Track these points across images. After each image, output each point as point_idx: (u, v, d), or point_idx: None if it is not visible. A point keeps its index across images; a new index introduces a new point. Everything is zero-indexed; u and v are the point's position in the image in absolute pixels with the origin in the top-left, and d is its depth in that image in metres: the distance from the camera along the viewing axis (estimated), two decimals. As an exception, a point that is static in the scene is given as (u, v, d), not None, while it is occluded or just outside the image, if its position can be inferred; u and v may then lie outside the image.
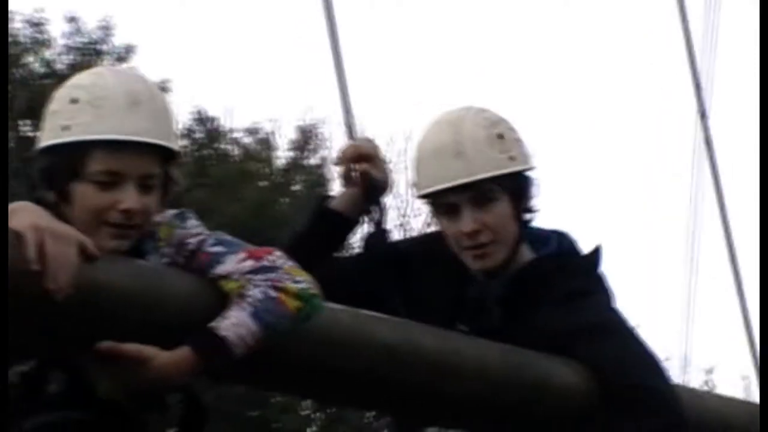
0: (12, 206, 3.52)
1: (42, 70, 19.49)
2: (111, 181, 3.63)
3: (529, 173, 4.44)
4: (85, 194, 3.60)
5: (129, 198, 3.56)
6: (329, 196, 4.76)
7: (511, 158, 4.32)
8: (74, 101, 3.71)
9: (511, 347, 4.29)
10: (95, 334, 3.54)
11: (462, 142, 4.31)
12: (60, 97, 3.78)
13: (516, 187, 4.31)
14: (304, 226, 4.65)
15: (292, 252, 4.09)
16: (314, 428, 21.90)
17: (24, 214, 3.43)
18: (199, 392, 4.07)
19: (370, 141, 4.68)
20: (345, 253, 4.83)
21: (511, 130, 4.44)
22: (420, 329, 4.20)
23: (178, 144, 3.99)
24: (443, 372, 4.18)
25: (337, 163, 4.67)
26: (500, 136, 4.31)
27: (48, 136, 3.68)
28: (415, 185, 4.47)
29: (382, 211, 4.57)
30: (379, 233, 4.57)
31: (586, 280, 4.49)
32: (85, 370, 3.69)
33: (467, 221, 4.22)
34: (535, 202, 4.50)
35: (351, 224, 4.55)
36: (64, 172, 3.63)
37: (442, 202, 4.28)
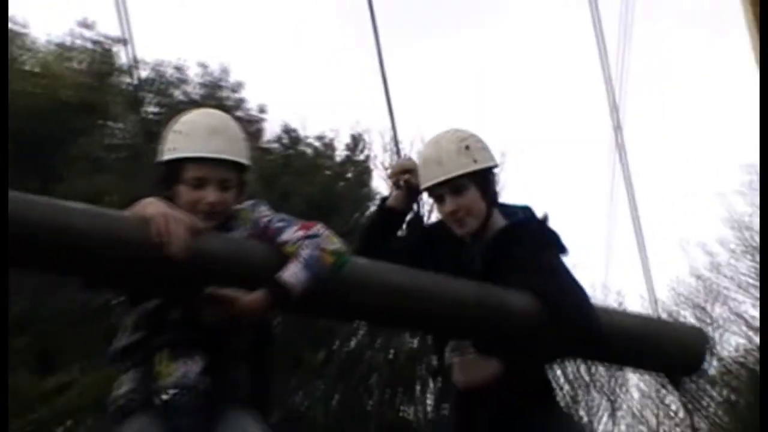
0: (144, 201, 4.59)
1: (183, 98, 24.05)
2: (199, 184, 4.71)
3: (491, 169, 5.61)
4: (183, 192, 4.68)
5: (210, 195, 4.62)
6: (386, 197, 5.90)
7: (475, 161, 5.39)
8: (177, 132, 4.86)
9: (485, 284, 5.34)
10: (201, 282, 4.56)
11: (440, 154, 5.45)
12: (169, 129, 4.91)
13: (480, 179, 5.39)
14: (372, 217, 6.09)
15: (367, 234, 5.80)
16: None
17: (152, 205, 4.49)
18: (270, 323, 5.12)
19: (410, 159, 5.85)
20: (399, 234, 5.89)
21: (478, 141, 5.54)
22: (420, 273, 5.27)
23: (246, 158, 4.95)
24: (438, 301, 5.24)
25: (389, 175, 5.85)
26: (467, 147, 5.45)
27: (161, 155, 4.81)
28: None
29: (418, 205, 5.85)
30: (418, 219, 5.87)
31: (540, 238, 5.57)
32: (194, 305, 4.65)
33: (448, 205, 5.32)
34: (498, 187, 5.77)
35: (401, 215, 5.72)
36: (170, 178, 4.74)
37: (434, 193, 5.42)
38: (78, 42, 23.42)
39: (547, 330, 5.33)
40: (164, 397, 4.77)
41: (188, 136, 4.89)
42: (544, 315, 5.36)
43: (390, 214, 5.76)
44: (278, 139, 25.16)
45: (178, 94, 23.06)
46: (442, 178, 5.38)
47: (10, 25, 21.96)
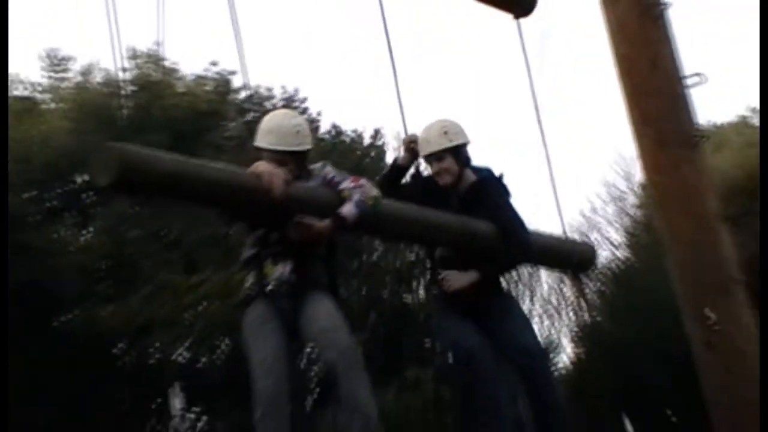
0: (256, 163, 5.22)
1: (270, 107, 23.75)
2: (279, 163, 5.31)
3: (464, 145, 6.09)
4: (268, 160, 5.24)
5: (277, 176, 5.11)
6: (398, 158, 6.24)
7: (450, 140, 5.96)
8: (266, 130, 5.50)
9: (464, 217, 5.88)
10: (291, 214, 5.28)
11: (429, 135, 5.98)
12: (262, 125, 5.62)
13: (454, 151, 5.98)
14: (389, 169, 6.32)
15: (385, 181, 6.16)
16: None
17: (261, 165, 5.18)
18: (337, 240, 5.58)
19: (414, 135, 6.17)
20: (404, 182, 6.23)
21: (455, 126, 6.05)
22: (423, 209, 5.85)
23: (309, 146, 5.48)
24: (434, 226, 5.87)
25: (402, 141, 6.24)
26: (446, 132, 5.98)
27: (260, 142, 5.54)
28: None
29: (418, 164, 6.21)
30: (418, 174, 6.31)
31: (498, 187, 6.16)
32: (286, 229, 5.35)
33: (434, 167, 6.00)
34: (469, 155, 6.19)
35: (406, 170, 6.17)
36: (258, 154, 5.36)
37: (426, 160, 6.08)
38: (209, 74, 25.68)
39: (501, 245, 5.91)
40: (270, 288, 5.44)
41: (273, 134, 5.35)
42: (500, 235, 5.92)
43: (399, 168, 6.12)
44: (328, 132, 25.82)
45: (267, 104, 24.43)
46: (429, 152, 5.94)
47: (168, 63, 25.30)
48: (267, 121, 5.60)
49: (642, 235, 23.56)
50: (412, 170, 6.38)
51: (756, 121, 31.74)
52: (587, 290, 27.81)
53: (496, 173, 6.31)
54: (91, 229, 24.89)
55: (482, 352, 5.76)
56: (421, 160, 6.32)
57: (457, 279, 5.89)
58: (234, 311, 21.65)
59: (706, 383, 5.84)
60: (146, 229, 23.52)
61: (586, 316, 29.05)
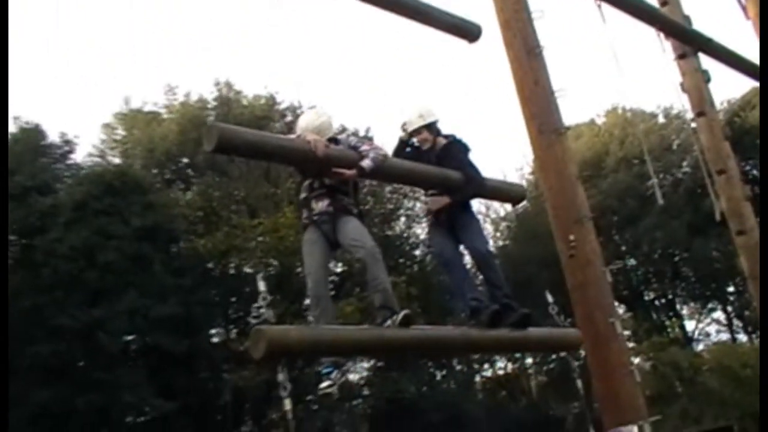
0: (305, 134, 5.05)
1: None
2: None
3: (435, 122, 5.86)
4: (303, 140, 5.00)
5: (320, 142, 4.96)
6: (401, 136, 5.90)
7: (424, 120, 5.79)
8: (303, 128, 5.22)
9: (440, 168, 5.71)
10: (329, 166, 5.13)
11: (411, 117, 5.82)
12: (300, 123, 5.34)
13: (428, 126, 5.81)
14: (397, 144, 5.96)
15: (396, 150, 5.83)
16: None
17: (308, 135, 5.05)
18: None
19: (405, 123, 5.90)
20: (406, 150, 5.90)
21: (427, 109, 5.88)
22: (416, 165, 5.70)
23: (332, 132, 5.33)
24: (423, 174, 5.70)
25: (401, 128, 5.94)
26: (420, 115, 5.81)
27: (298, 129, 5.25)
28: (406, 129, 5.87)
29: (411, 139, 5.94)
30: (410, 144, 5.96)
31: (461, 147, 5.98)
32: (326, 175, 5.23)
33: (416, 138, 5.84)
34: (439, 127, 5.90)
35: (406, 142, 5.89)
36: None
37: (411, 135, 5.84)
38: (262, 93, 26.48)
39: (464, 185, 5.78)
40: (315, 218, 5.22)
41: (307, 130, 5.13)
42: (464, 180, 5.78)
43: (402, 141, 5.91)
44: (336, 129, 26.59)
45: (298, 111, 23.57)
46: (411, 129, 5.80)
47: (236, 87, 25.85)
48: (301, 121, 5.43)
49: (534, 190, 23.85)
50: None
51: (600, 120, 32.62)
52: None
53: (456, 135, 6.17)
54: (190, 192, 25.45)
55: (454, 258, 5.75)
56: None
57: (435, 202, 5.81)
58: (281, 241, 21.43)
59: (569, 278, 5.97)
60: (224, 191, 23.95)
61: (500, 242, 29.52)
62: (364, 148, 5.23)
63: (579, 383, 6.37)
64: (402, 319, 4.95)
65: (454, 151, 5.95)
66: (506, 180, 6.69)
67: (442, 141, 5.93)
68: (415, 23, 6.51)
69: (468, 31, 6.84)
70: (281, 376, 4.33)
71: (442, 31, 6.72)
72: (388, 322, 4.99)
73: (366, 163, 5.11)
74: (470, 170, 5.90)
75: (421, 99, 6.54)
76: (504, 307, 5.59)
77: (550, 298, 6.38)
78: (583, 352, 6.14)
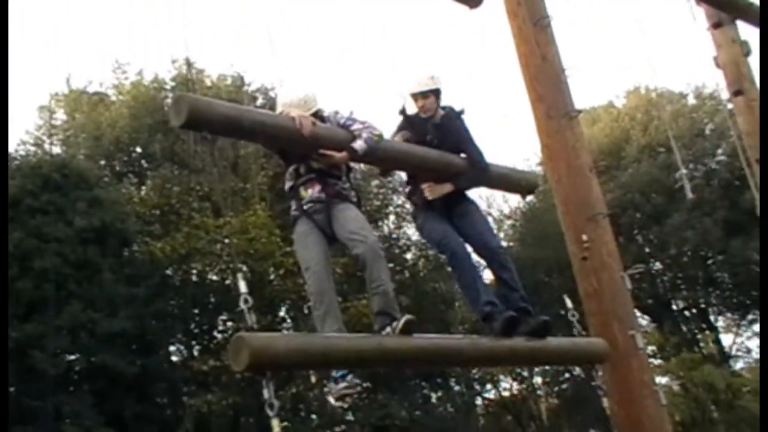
0: (289, 110, 5.13)
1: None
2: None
3: (440, 89, 5.88)
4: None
5: (306, 119, 5.00)
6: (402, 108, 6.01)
7: (435, 84, 5.88)
8: (286, 103, 5.30)
9: (442, 153, 5.70)
10: (317, 147, 5.16)
11: (420, 79, 5.84)
12: (280, 99, 5.45)
13: (435, 92, 5.86)
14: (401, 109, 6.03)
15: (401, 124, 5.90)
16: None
17: (293, 111, 5.12)
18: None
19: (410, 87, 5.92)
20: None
21: (437, 77, 5.94)
22: (414, 147, 5.70)
23: (316, 107, 5.29)
24: (421, 158, 5.73)
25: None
26: (432, 77, 5.89)
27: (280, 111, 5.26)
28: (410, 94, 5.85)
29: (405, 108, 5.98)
30: (404, 111, 5.98)
31: (459, 115, 6.01)
32: (314, 160, 5.27)
33: (419, 102, 5.86)
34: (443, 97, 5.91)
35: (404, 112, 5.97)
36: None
37: (414, 96, 5.87)
38: (228, 72, 26.73)
39: (469, 168, 5.86)
40: (305, 207, 5.31)
41: (289, 106, 5.25)
42: (468, 162, 5.87)
43: (403, 113, 6.00)
44: None
45: (271, 93, 24.94)
46: (418, 90, 5.90)
47: (198, 65, 25.78)
48: (282, 96, 5.50)
49: (542, 183, 23.84)
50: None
51: (619, 103, 32.77)
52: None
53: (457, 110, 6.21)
54: (145, 186, 25.38)
55: (463, 249, 5.69)
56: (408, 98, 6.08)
57: (435, 189, 5.76)
58: (251, 244, 21.27)
59: (581, 284, 6.00)
60: (184, 186, 23.96)
61: (504, 243, 29.67)
62: (356, 126, 5.24)
63: (605, 402, 6.33)
64: (403, 326, 4.95)
65: (455, 125, 5.97)
66: (515, 168, 6.63)
67: (440, 111, 5.95)
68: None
69: None
70: (267, 393, 4.21)
71: None
72: (388, 329, 5.01)
73: (359, 144, 5.12)
74: (474, 149, 5.91)
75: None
76: (520, 311, 5.54)
77: (569, 303, 6.32)
78: (600, 372, 6.11)
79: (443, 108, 6.01)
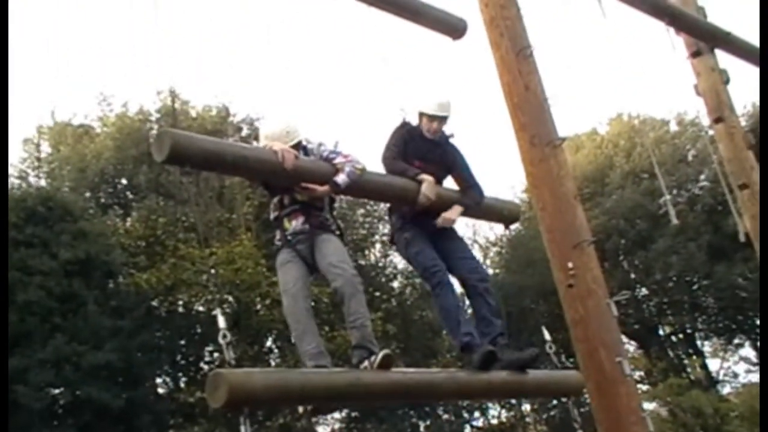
0: (272, 143, 5.13)
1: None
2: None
3: (448, 116, 6.04)
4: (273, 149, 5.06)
5: (289, 153, 5.03)
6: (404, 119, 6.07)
7: (448, 111, 6.00)
8: (268, 136, 5.37)
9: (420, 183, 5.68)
10: (299, 180, 5.20)
11: (446, 105, 5.95)
12: (264, 132, 5.52)
13: (447, 119, 5.99)
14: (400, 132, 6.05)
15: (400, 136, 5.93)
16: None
17: (275, 145, 5.12)
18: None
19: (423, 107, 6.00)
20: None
21: (448, 103, 6.03)
22: (394, 179, 5.71)
23: (298, 139, 5.35)
24: (400, 188, 5.69)
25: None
26: (450, 105, 5.99)
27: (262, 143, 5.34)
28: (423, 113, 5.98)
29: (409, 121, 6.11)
30: (407, 124, 6.06)
31: (447, 138, 6.17)
32: (294, 192, 5.34)
33: (437, 124, 5.97)
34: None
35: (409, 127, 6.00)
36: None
37: (435, 118, 5.97)
38: (213, 103, 26.72)
39: (467, 192, 6.06)
40: (289, 238, 5.39)
41: (270, 139, 5.34)
42: (466, 188, 6.08)
43: (406, 125, 6.05)
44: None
45: (256, 123, 24.95)
46: (443, 114, 6.01)
47: (183, 96, 25.91)
48: (264, 129, 5.58)
49: (528, 211, 23.89)
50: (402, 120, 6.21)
51: (602, 130, 33.00)
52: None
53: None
54: (130, 218, 25.28)
55: (447, 278, 5.73)
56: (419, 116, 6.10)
57: (451, 213, 5.82)
58: (237, 274, 21.26)
59: (567, 312, 5.95)
60: (170, 217, 23.89)
61: (490, 270, 29.63)
62: (339, 160, 5.28)
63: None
64: (381, 361, 4.97)
65: (457, 151, 6.09)
66: (497, 197, 6.70)
67: (441, 134, 6.06)
68: (392, 16, 6.56)
69: (452, 27, 6.99)
70: (243, 429, 4.24)
71: (423, 26, 6.81)
72: (365, 363, 5.03)
73: (341, 178, 5.19)
74: (471, 172, 6.07)
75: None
76: (497, 342, 5.60)
77: (547, 336, 6.39)
78: (588, 398, 6.15)
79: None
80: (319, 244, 5.25)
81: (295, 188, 5.27)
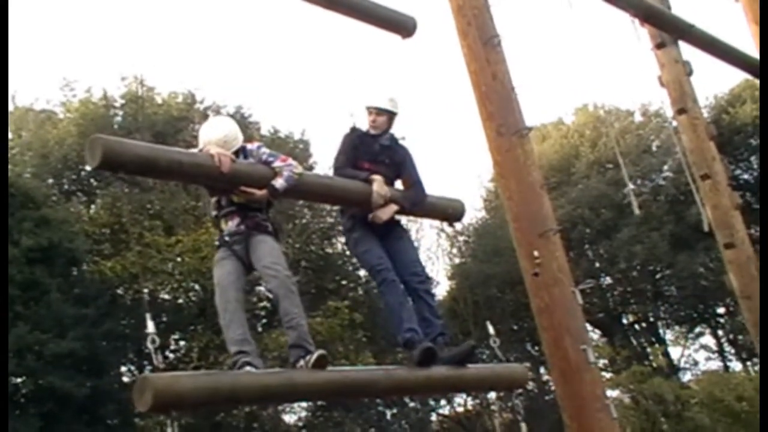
0: (208, 147, 5.13)
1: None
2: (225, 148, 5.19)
3: (396, 114, 6.03)
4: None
5: (225, 157, 5.03)
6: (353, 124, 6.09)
7: (393, 107, 5.99)
8: (204, 140, 5.28)
9: (363, 184, 5.68)
10: (236, 184, 5.23)
11: (384, 97, 5.94)
12: (200, 134, 5.43)
13: (390, 114, 5.99)
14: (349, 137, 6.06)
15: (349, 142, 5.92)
16: None
17: (212, 148, 5.13)
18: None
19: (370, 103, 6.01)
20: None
21: (398, 103, 6.03)
22: (334, 180, 5.80)
23: (237, 146, 5.35)
24: (340, 189, 5.75)
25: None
26: (391, 100, 5.99)
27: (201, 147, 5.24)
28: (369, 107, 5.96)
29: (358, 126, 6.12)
30: (355, 129, 6.07)
31: (397, 140, 6.16)
32: (233, 194, 5.37)
33: (372, 116, 5.95)
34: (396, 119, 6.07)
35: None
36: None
37: (370, 110, 5.96)
38: (179, 90, 26.43)
39: (409, 191, 6.00)
40: (226, 238, 5.45)
41: (210, 144, 5.26)
42: (411, 187, 6.02)
43: (354, 130, 6.07)
44: (268, 131, 26.11)
45: (223, 111, 24.90)
46: (376, 106, 5.99)
47: (149, 82, 25.74)
48: (203, 133, 5.46)
49: (494, 200, 24.05)
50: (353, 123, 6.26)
51: (568, 120, 33.31)
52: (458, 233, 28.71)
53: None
54: (94, 205, 25.12)
55: (392, 275, 5.76)
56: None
57: (386, 211, 5.77)
58: (202, 262, 21.27)
59: (533, 300, 6.08)
60: (135, 204, 23.66)
61: (457, 259, 29.89)
62: (278, 164, 5.33)
63: (523, 427, 6.47)
64: (316, 361, 5.03)
65: (406, 152, 6.07)
66: (443, 196, 6.59)
67: (388, 135, 6.03)
68: (339, 15, 6.55)
69: (402, 25, 6.98)
70: (170, 431, 4.27)
71: (372, 25, 6.82)
72: (301, 363, 5.09)
73: (279, 182, 5.25)
74: (416, 172, 6.04)
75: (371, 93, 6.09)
76: (439, 340, 5.65)
77: (491, 330, 6.42)
78: (553, 386, 6.23)
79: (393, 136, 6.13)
80: (254, 245, 5.31)
81: (233, 191, 5.31)
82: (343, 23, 6.72)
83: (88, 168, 25.27)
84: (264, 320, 23.08)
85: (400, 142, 6.18)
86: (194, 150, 5.25)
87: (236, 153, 5.34)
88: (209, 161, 4.96)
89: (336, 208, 26.15)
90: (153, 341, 4.52)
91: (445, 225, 30.47)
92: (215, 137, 5.31)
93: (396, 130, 6.18)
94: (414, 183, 6.01)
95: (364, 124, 6.05)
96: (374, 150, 5.95)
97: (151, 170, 5.02)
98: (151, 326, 4.56)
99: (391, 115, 6.02)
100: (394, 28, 6.92)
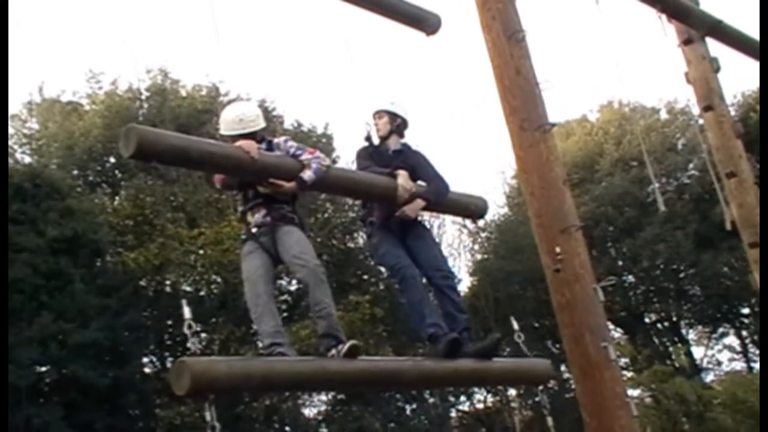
0: (239, 141, 5.18)
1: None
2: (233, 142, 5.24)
3: (397, 115, 6.11)
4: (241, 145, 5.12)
5: (252, 144, 5.11)
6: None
7: (392, 105, 6.09)
8: (221, 120, 5.51)
9: (388, 179, 5.77)
10: (266, 175, 5.29)
11: (381, 99, 6.07)
12: (223, 114, 5.58)
13: (392, 116, 6.07)
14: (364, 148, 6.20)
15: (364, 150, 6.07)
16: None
17: (244, 142, 5.17)
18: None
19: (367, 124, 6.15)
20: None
21: (401, 101, 6.14)
22: (362, 174, 5.90)
23: (254, 128, 5.39)
24: (366, 184, 5.81)
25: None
26: (392, 102, 6.11)
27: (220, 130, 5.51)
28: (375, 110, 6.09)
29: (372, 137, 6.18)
30: (370, 139, 6.16)
31: (410, 148, 6.26)
32: (258, 186, 5.40)
33: (375, 119, 6.09)
34: (400, 127, 6.14)
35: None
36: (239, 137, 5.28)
37: (373, 115, 6.08)
38: (203, 82, 26.70)
39: (430, 185, 6.04)
40: (253, 230, 5.47)
41: (222, 123, 5.49)
42: (430, 185, 6.04)
43: (368, 140, 6.16)
44: (291, 125, 26.03)
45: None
46: (375, 108, 6.14)
47: (173, 75, 25.94)
48: (226, 114, 5.57)
49: (517, 196, 23.98)
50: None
51: (593, 117, 33.11)
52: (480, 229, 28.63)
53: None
54: (118, 197, 25.29)
55: (415, 273, 5.77)
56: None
57: (413, 207, 5.81)
58: (224, 255, 21.26)
59: (554, 297, 6.02)
60: (158, 196, 23.87)
61: (478, 255, 29.80)
62: (306, 156, 5.33)
63: (549, 421, 6.43)
64: (348, 350, 5.04)
65: (415, 151, 6.14)
66: (465, 192, 6.65)
67: (397, 141, 6.08)
68: (365, 11, 6.51)
69: (426, 22, 6.95)
70: (209, 415, 4.26)
71: (396, 21, 6.79)
72: (332, 352, 5.10)
73: (307, 174, 5.23)
74: (433, 168, 6.07)
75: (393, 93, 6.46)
76: (464, 334, 5.65)
77: (515, 325, 6.41)
78: (573, 384, 6.20)
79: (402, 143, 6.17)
80: (281, 236, 5.28)
81: (261, 183, 5.32)
82: (368, 19, 6.69)
83: (112, 160, 25.64)
84: (285, 314, 23.17)
85: (414, 148, 6.20)
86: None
87: (260, 141, 5.34)
88: (239, 152, 5.00)
89: (358, 202, 26.52)
90: (189, 326, 4.53)
91: (467, 221, 30.31)
92: (230, 118, 5.40)
93: (420, 126, 6.28)
94: (434, 178, 6.03)
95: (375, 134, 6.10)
96: (387, 156, 5.99)
97: (183, 160, 5.06)
98: (187, 312, 4.57)
99: (392, 117, 6.04)
100: (419, 25, 6.89)
